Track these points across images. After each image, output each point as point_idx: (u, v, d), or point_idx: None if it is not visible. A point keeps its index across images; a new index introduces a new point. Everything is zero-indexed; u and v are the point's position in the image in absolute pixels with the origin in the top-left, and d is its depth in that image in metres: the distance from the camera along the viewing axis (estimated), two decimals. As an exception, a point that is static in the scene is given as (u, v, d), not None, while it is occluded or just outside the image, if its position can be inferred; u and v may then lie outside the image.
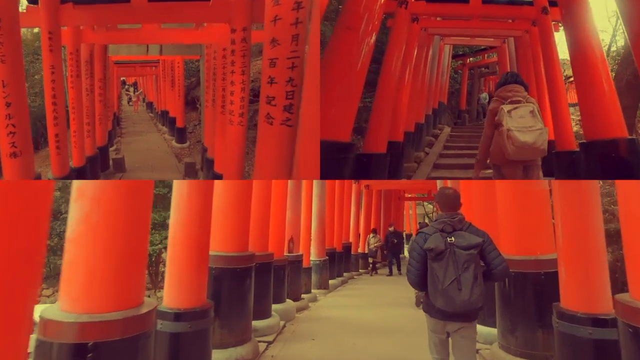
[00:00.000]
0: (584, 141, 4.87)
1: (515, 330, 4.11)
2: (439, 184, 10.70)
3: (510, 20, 8.65)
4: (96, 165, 8.69)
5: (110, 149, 10.75)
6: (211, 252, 4.38)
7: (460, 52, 16.57)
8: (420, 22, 7.79)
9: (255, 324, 5.14)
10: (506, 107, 3.03)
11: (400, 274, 13.17)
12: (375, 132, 5.62)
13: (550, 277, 3.98)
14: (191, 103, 14.41)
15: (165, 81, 13.85)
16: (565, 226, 3.29)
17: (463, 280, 2.48)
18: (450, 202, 2.73)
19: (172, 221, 3.51)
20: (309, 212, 9.43)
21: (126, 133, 13.87)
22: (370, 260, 13.87)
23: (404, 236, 21.57)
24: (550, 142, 7.22)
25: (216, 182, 4.49)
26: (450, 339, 2.74)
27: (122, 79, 19.42)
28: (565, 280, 3.28)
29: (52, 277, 14.78)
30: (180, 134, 12.11)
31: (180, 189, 3.59)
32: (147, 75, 17.52)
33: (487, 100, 14.31)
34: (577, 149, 6.37)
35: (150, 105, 18.48)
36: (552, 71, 6.77)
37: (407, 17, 6.88)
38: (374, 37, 3.59)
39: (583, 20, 4.97)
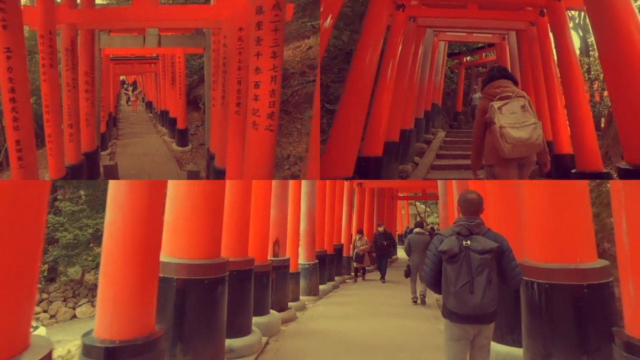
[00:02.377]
0: (627, 166, 3.56)
1: (549, 355, 3.23)
2: (440, 184, 9.82)
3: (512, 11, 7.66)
4: (81, 175, 7.29)
5: (104, 153, 9.49)
6: (172, 260, 3.50)
7: (457, 51, 15.75)
8: (408, 10, 6.53)
9: (231, 342, 4.24)
10: (496, 104, 2.86)
11: (383, 281, 11.35)
12: (338, 149, 4.37)
13: (596, 291, 3.14)
14: (193, 103, 13.29)
15: (165, 79, 12.47)
16: (635, 231, 2.41)
17: (476, 283, 2.46)
18: (472, 207, 2.65)
19: (107, 223, 2.57)
20: (297, 211, 8.43)
21: (123, 135, 12.79)
22: (356, 265, 11.97)
23: (396, 237, 20.75)
24: (566, 157, 6.18)
25: (180, 180, 3.56)
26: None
27: (121, 78, 18.30)
28: (633, 300, 2.41)
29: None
30: (182, 136, 10.79)
31: (117, 187, 2.65)
32: (146, 72, 16.16)
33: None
34: (603, 170, 5.32)
35: (149, 105, 17.39)
36: (569, 68, 5.68)
37: (391, 3, 5.78)
38: (330, 20, 2.66)
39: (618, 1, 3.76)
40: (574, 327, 3.13)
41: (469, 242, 2.52)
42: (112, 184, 2.66)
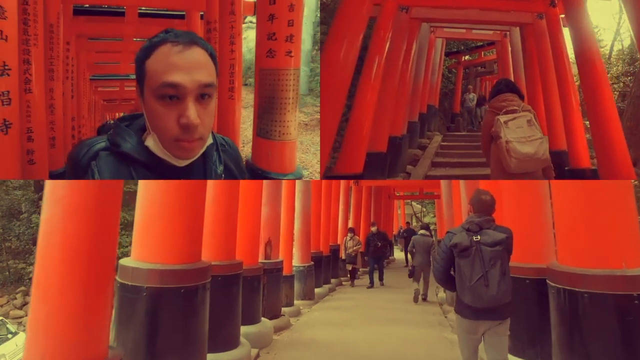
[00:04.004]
0: None
1: (590, 377, 2.70)
2: (444, 184, 9.25)
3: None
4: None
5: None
6: (143, 265, 2.92)
7: (455, 50, 15.22)
8: (399, -1, 5.61)
9: (216, 358, 3.68)
10: (502, 118, 2.81)
11: (382, 284, 10.41)
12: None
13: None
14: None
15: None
16: None
17: (490, 276, 2.50)
18: (484, 207, 2.70)
19: (43, 220, 1.98)
20: (291, 209, 7.82)
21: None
22: (349, 267, 10.96)
23: (393, 238, 20.15)
24: (585, 172, 5.39)
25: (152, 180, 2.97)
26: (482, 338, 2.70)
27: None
28: None
29: (10, 283, 12.96)
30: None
31: (54, 187, 2.05)
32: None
33: (474, 103, 12.75)
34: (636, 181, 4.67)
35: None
36: (591, 64, 4.87)
37: (377, -12, 4.89)
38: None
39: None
40: (622, 345, 2.58)
41: (479, 237, 2.57)
42: (49, 185, 2.05)
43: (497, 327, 2.62)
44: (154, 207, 3.11)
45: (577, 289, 2.75)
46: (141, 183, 3.18)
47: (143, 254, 3.01)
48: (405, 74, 6.88)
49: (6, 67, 2.01)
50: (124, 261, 3.00)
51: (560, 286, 2.86)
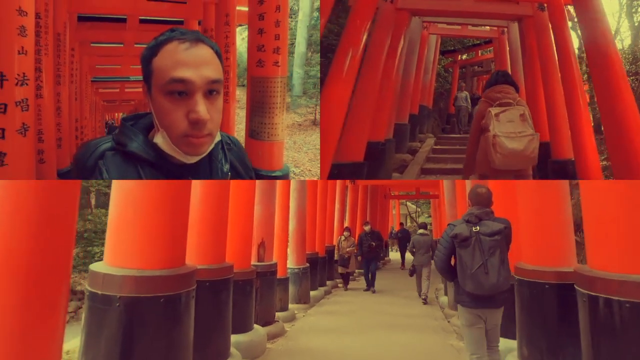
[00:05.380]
0: None
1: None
2: (447, 183, 8.84)
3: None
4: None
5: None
6: (116, 271, 2.51)
7: (451, 48, 14.89)
8: (384, -13, 4.85)
9: (202, 372, 3.25)
10: (494, 110, 2.73)
11: (373, 291, 9.49)
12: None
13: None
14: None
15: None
16: None
17: (489, 265, 2.60)
18: (482, 200, 2.79)
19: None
20: (285, 209, 7.37)
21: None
22: (341, 270, 10.15)
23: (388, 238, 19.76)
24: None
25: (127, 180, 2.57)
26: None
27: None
28: None
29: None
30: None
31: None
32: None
33: (468, 102, 12.38)
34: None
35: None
36: (605, 57, 4.19)
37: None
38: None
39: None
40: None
41: (478, 227, 2.66)
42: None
43: (494, 319, 2.76)
44: (129, 207, 2.70)
45: (615, 297, 2.38)
46: (115, 182, 2.78)
47: (116, 259, 2.59)
48: (391, 72, 5.92)
49: (25, 78, 2.20)
50: (94, 266, 2.59)
51: (593, 293, 2.50)
